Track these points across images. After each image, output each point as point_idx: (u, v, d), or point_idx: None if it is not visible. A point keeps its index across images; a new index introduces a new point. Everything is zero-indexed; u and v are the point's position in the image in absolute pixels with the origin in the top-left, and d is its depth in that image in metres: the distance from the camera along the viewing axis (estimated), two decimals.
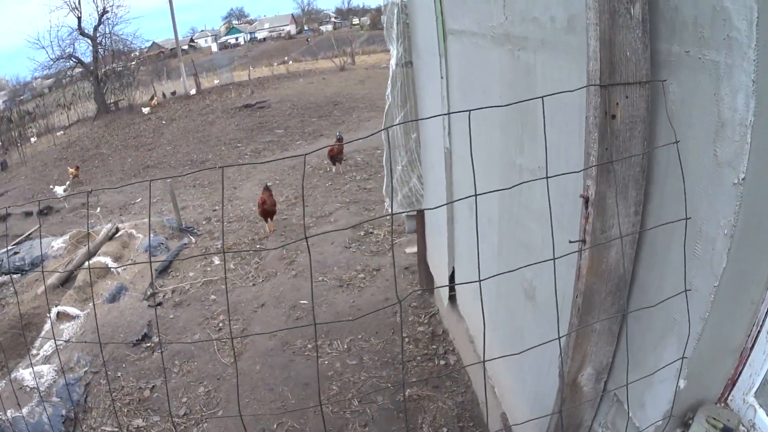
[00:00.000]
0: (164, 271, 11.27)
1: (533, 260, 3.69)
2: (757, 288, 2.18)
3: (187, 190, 16.23)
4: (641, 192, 2.48)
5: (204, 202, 14.75)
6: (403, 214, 8.55)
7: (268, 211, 11.93)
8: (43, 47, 39.44)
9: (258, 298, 9.41)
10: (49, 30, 42.90)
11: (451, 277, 6.93)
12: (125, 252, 12.08)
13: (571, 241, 2.69)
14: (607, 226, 2.53)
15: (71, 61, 40.50)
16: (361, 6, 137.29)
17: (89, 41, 39.79)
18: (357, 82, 31.30)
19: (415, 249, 9.02)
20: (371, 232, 11.04)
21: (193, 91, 36.85)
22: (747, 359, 2.34)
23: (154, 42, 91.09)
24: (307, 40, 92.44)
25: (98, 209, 16.52)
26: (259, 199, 12.13)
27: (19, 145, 31.32)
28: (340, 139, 14.71)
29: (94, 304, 10.14)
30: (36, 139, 34.40)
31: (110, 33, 40.75)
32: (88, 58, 40.38)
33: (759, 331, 2.26)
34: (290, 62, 56.05)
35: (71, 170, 18.40)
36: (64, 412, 7.37)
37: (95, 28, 40.01)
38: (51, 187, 19.17)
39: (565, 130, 3.12)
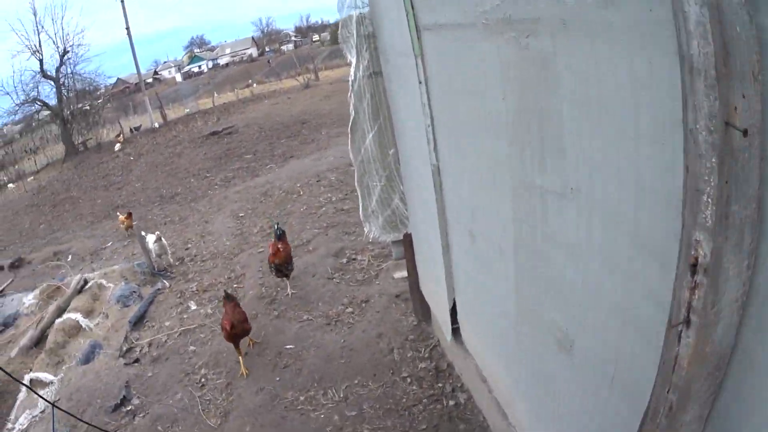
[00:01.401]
0: (139, 321, 10.42)
1: (566, 303, 3.09)
2: None
3: (159, 228, 15.29)
4: (756, 237, 1.67)
5: (176, 240, 13.83)
6: (387, 239, 7.66)
7: (238, 333, 7.85)
8: (8, 93, 37.94)
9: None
10: (12, 75, 41.86)
11: (453, 310, 6.08)
12: (96, 305, 11.24)
13: (672, 325, 1.85)
14: (720, 295, 1.72)
15: (36, 105, 39.35)
16: (320, 22, 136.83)
17: (52, 83, 38.69)
18: (323, 98, 30.45)
19: (404, 273, 8.24)
20: (354, 258, 10.25)
21: (157, 124, 35.79)
22: None
23: (119, 78, 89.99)
24: (268, 61, 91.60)
25: (69, 257, 15.60)
26: (224, 317, 8.06)
27: None
28: (280, 237, 9.77)
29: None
30: (13, 185, 33.28)
31: (72, 73, 39.69)
32: (53, 101, 39.32)
33: None
34: (254, 85, 55.10)
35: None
36: None
37: (57, 69, 38.93)
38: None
39: (612, 141, 2.29)
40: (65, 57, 39.17)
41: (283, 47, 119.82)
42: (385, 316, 8.30)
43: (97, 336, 10.20)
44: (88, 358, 9.63)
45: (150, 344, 9.56)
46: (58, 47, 39.03)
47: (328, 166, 15.99)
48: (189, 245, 13.29)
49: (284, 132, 23.74)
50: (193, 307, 10.18)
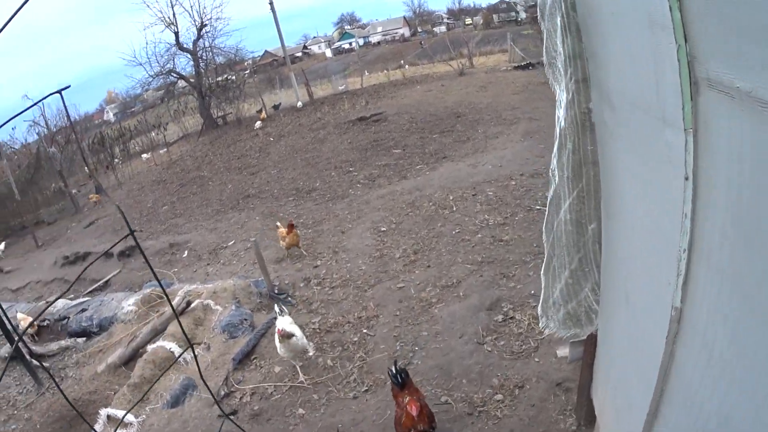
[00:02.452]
0: (246, 358, 8.95)
1: None
2: None
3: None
4: None
5: (303, 253, 12.14)
6: (565, 335, 5.43)
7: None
8: (140, 64, 37.91)
9: (358, 425, 6.83)
10: (145, 47, 41.92)
11: None
12: (198, 332, 9.91)
13: None
14: None
15: (172, 77, 39.59)
16: (472, 5, 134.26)
17: (189, 56, 38.67)
18: (478, 89, 27.94)
19: (567, 351, 6.45)
20: (512, 317, 8.18)
21: (300, 103, 34.55)
22: None
23: (266, 51, 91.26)
24: (420, 42, 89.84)
25: (185, 253, 14.35)
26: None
27: (115, 166, 30.05)
28: (403, 382, 6.01)
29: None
30: (147, 155, 33.10)
31: (210, 46, 39.59)
32: (190, 71, 39.19)
33: None
34: (406, 66, 53.35)
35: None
36: None
37: (194, 43, 38.95)
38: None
39: None
40: (203, 30, 39.18)
41: (435, 29, 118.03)
42: (540, 413, 6.29)
43: (192, 372, 8.89)
44: (177, 400, 8.37)
45: (253, 393, 8.08)
46: (194, 21, 39.01)
47: (486, 177, 13.83)
48: (319, 263, 11.68)
49: (437, 126, 21.51)
50: (311, 352, 8.45)
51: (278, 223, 12.91)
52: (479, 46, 61.37)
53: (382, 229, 12.28)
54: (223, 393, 8.23)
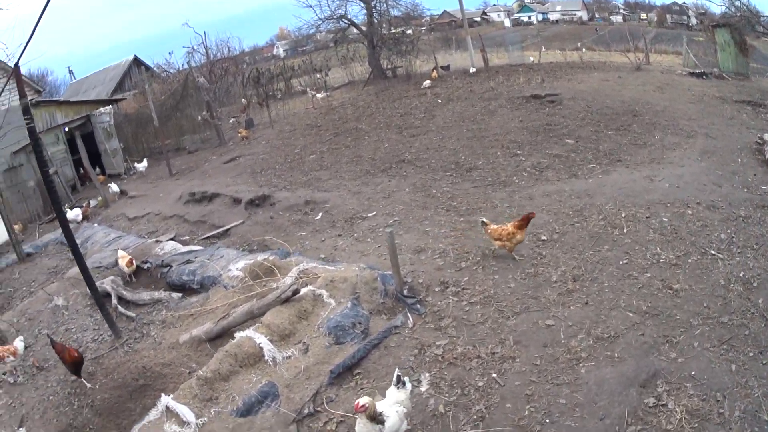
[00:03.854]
0: (346, 372, 7.21)
1: None
2: None
3: (432, 215, 11.98)
4: None
5: (448, 246, 10.24)
6: None
7: None
8: (311, 6, 36.93)
9: None
10: None
11: None
12: (300, 327, 8.16)
13: None
14: None
15: (342, 23, 38.21)
16: (647, 2, 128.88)
17: (362, 3, 36.90)
18: (655, 89, 24.64)
19: None
20: (664, 404, 6.06)
21: (473, 69, 32.35)
22: None
23: (445, 11, 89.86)
24: (596, 29, 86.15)
25: (320, 215, 12.78)
26: None
27: (269, 104, 29.08)
28: None
29: None
30: (313, 92, 32.08)
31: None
32: (363, 20, 37.69)
33: None
34: (583, 50, 50.23)
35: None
36: None
37: None
38: None
39: None
40: None
41: (612, 17, 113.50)
42: None
43: (278, 377, 7.28)
44: (250, 409, 6.93)
45: (341, 422, 6.50)
46: None
47: (662, 196, 11.13)
48: (463, 264, 9.64)
49: (613, 121, 18.65)
50: (425, 387, 6.70)
51: (484, 219, 9.75)
52: (653, 43, 57.66)
53: (543, 237, 10.02)
54: (307, 411, 6.68)
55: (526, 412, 6.16)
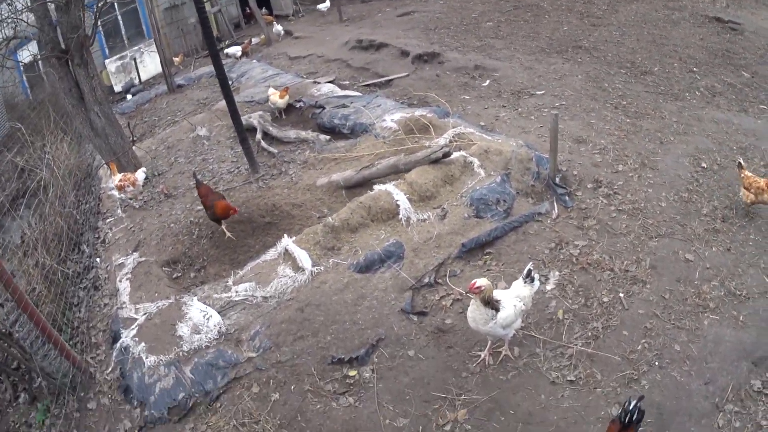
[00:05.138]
0: (479, 249, 6.78)
1: None
2: None
3: (600, 108, 11.01)
4: None
5: (609, 144, 9.32)
6: None
7: None
8: None
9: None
10: None
11: None
12: (443, 192, 7.71)
13: None
14: None
15: None
16: None
17: None
18: None
19: None
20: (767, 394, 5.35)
21: None
22: None
23: None
24: None
25: (487, 82, 12.19)
26: None
27: None
28: None
29: None
30: None
31: None
32: None
33: None
34: None
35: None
36: None
37: None
38: None
39: None
40: None
41: None
42: None
43: (407, 239, 6.96)
44: (370, 266, 6.70)
45: (457, 300, 6.21)
46: None
47: None
48: (620, 166, 8.73)
49: None
50: (551, 285, 6.25)
51: (741, 160, 8.15)
52: None
53: (703, 164, 9.01)
54: (426, 281, 6.37)
55: (639, 347, 5.64)
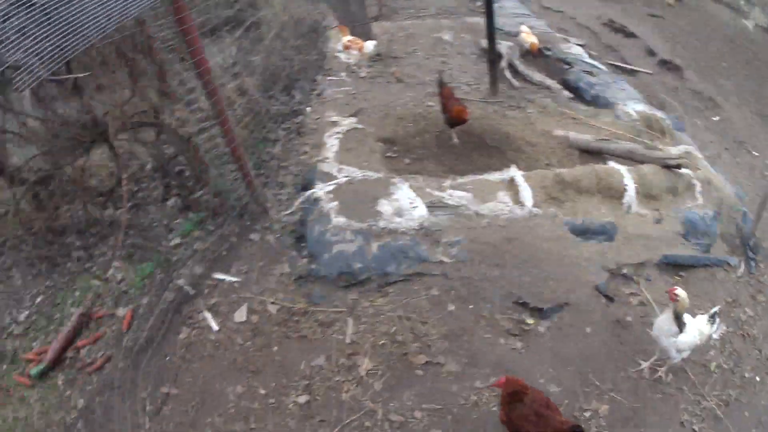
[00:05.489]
0: (674, 266, 7.16)
1: None
2: None
3: None
4: None
5: None
6: None
7: None
8: None
9: None
10: None
11: None
12: (664, 198, 7.95)
13: None
14: None
15: None
16: None
17: None
18: None
19: None
20: None
21: None
22: None
23: None
24: None
25: (717, 117, 11.99)
26: None
27: None
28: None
29: None
30: None
31: None
32: None
33: None
34: None
35: None
36: None
37: None
38: None
39: None
40: None
41: None
42: None
43: (622, 225, 7.38)
44: (583, 232, 7.15)
45: (641, 304, 6.57)
46: None
47: None
48: None
49: None
50: (716, 336, 6.31)
51: None
52: None
53: None
54: (624, 271, 6.84)
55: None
